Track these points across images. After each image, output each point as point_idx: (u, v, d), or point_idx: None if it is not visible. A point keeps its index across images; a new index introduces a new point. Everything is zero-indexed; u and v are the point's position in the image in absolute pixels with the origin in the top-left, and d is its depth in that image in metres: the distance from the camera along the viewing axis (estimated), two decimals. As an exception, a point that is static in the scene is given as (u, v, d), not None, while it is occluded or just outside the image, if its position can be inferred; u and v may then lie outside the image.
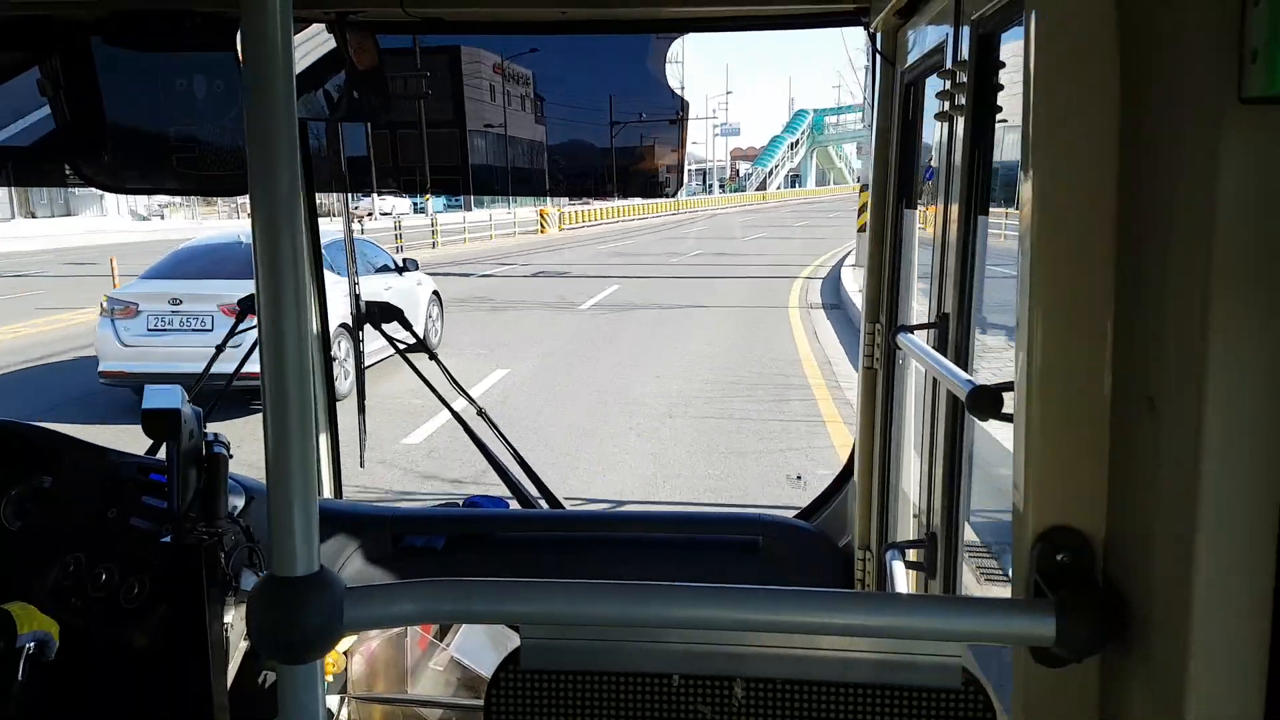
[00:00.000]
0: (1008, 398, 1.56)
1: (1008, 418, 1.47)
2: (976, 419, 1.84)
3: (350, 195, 4.34)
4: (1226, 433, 1.07)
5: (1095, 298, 1.27)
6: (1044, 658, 1.29)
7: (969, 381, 1.82)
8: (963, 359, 2.20)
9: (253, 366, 3.86)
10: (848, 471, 3.57)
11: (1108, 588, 1.28)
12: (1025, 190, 1.31)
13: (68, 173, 3.47)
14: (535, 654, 1.53)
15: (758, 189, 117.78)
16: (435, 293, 18.71)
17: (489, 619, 2.30)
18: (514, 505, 3.86)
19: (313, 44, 3.13)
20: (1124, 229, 1.25)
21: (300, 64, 3.13)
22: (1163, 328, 1.16)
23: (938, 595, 2.28)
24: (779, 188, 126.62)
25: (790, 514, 3.76)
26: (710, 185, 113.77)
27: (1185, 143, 1.12)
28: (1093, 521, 1.30)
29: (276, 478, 1.22)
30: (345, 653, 3.19)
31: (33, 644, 2.74)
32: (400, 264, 16.64)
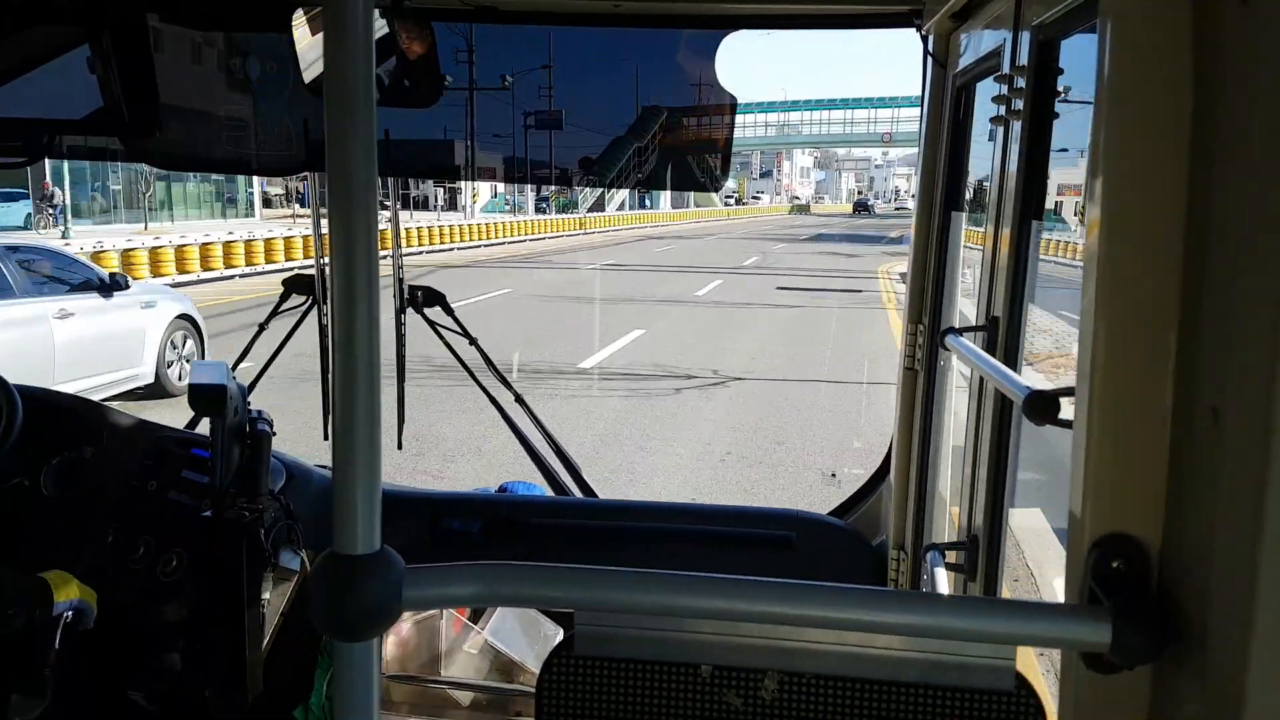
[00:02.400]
0: (1064, 403, 1.56)
1: (1066, 423, 1.47)
2: (1033, 424, 1.84)
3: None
4: None
5: (1160, 304, 1.27)
6: (1096, 664, 1.29)
7: (1025, 386, 1.82)
8: (1012, 363, 2.20)
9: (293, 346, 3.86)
10: (883, 471, 3.57)
11: (1164, 596, 1.28)
12: (1093, 194, 1.32)
13: (119, 149, 3.50)
14: (588, 640, 1.55)
15: (591, 208, 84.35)
16: (186, 316, 14.01)
17: (548, 604, 2.31)
18: (548, 492, 3.88)
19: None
20: (1192, 236, 1.25)
21: None
22: (1229, 337, 1.16)
23: (990, 598, 2.29)
24: (622, 208, 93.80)
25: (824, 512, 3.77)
26: (522, 201, 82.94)
27: (1258, 151, 1.12)
28: (1150, 530, 1.30)
29: (342, 456, 1.24)
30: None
31: (70, 613, 2.76)
32: (108, 279, 12.65)
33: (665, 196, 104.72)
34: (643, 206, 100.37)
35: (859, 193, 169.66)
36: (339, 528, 1.27)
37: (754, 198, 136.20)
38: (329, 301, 1.28)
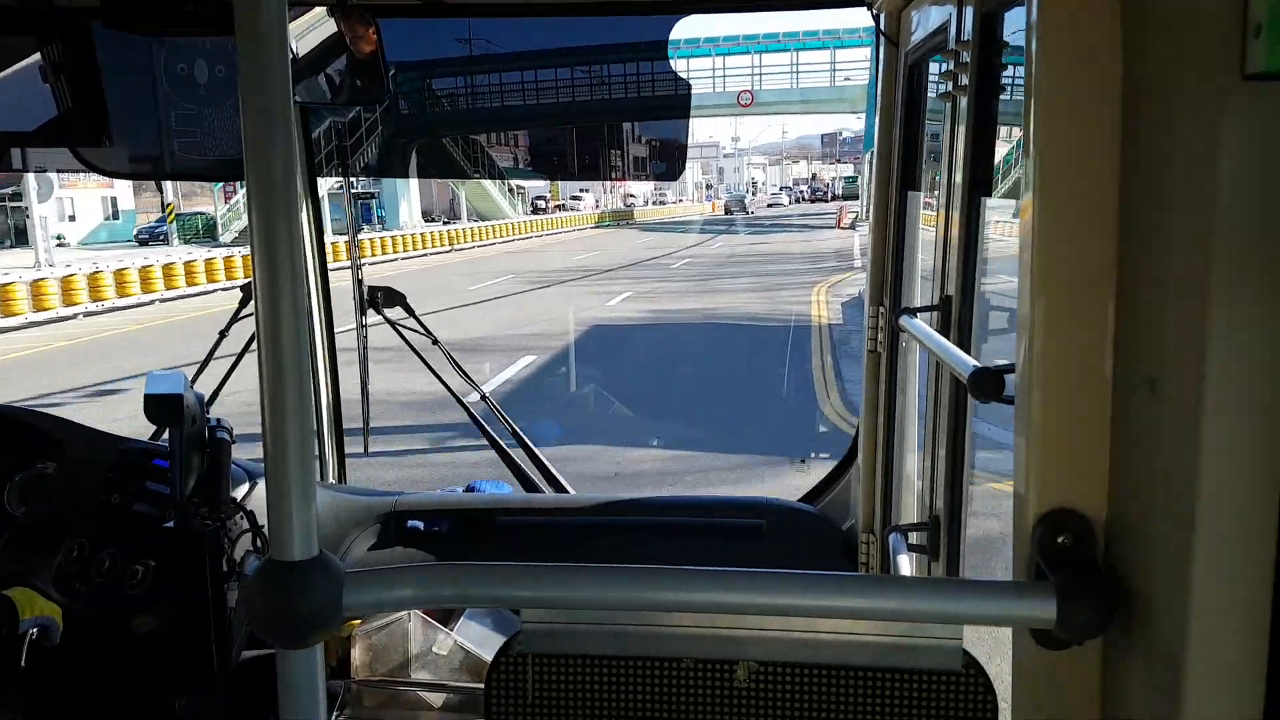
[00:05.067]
0: (1009, 379, 1.56)
1: (1009, 400, 1.47)
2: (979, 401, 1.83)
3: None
4: (1227, 414, 1.06)
5: (1096, 279, 1.27)
6: (1044, 640, 1.29)
7: (971, 364, 1.81)
8: (965, 341, 2.19)
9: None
10: (852, 455, 3.56)
11: (1108, 570, 1.28)
12: (1027, 169, 1.31)
13: (69, 158, 3.46)
14: (536, 638, 1.53)
15: (220, 238, 51.28)
16: None
17: (488, 603, 2.29)
18: (517, 490, 3.86)
19: (312, 29, 3.12)
20: (1125, 208, 1.24)
21: (300, 49, 3.11)
22: (1164, 308, 1.16)
23: (938, 578, 2.28)
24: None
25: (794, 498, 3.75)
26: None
27: (1187, 120, 1.11)
28: (1094, 504, 1.29)
29: (275, 463, 1.22)
30: (347, 637, 3.19)
31: (35, 629, 2.75)
32: None
33: (410, 207, 63.45)
34: (367, 222, 60.35)
35: (707, 186, 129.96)
36: (275, 534, 1.26)
37: (574, 198, 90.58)
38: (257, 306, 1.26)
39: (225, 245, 43.43)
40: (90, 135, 3.18)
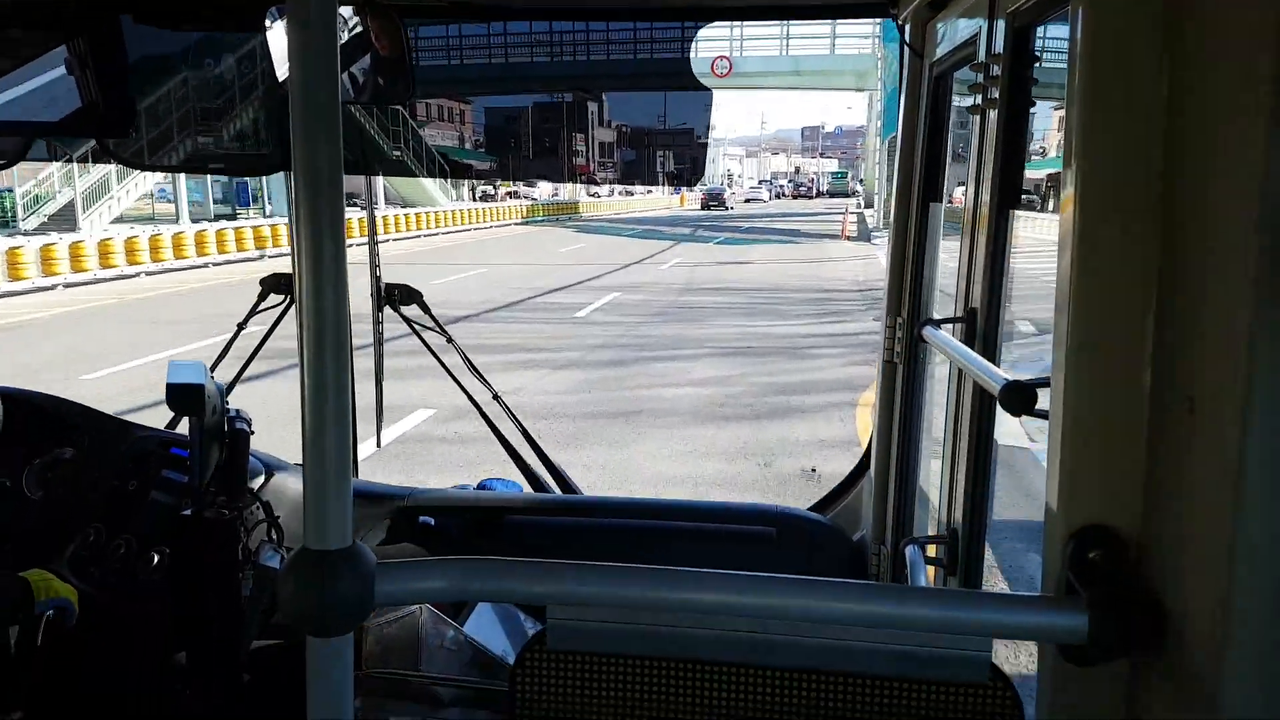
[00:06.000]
0: (1042, 394, 1.56)
1: (1042, 414, 1.47)
2: (1009, 415, 1.83)
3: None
4: (1269, 435, 1.06)
5: (1135, 294, 1.27)
6: (1073, 656, 1.29)
7: (1002, 377, 1.82)
8: (991, 354, 2.20)
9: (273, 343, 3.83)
10: (864, 465, 3.57)
11: (1141, 588, 1.28)
12: (1067, 184, 1.31)
13: (96, 149, 3.48)
14: (561, 635, 1.54)
15: (52, 220, 37.15)
16: None
17: (519, 598, 2.31)
18: (527, 490, 3.88)
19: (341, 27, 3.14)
20: (1166, 225, 1.25)
21: None
22: (1204, 326, 1.16)
23: (966, 590, 2.28)
24: (146, 214, 47.14)
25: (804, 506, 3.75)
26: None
27: (1231, 139, 1.11)
28: (1128, 521, 1.30)
29: (313, 451, 1.23)
30: (358, 629, 3.19)
31: (52, 611, 2.77)
32: None
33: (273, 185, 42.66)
34: (243, 205, 48.94)
35: (672, 174, 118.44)
36: (310, 523, 1.27)
37: (529, 184, 78.31)
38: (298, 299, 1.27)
39: (28, 234, 31.03)
40: (115, 127, 3.20)
